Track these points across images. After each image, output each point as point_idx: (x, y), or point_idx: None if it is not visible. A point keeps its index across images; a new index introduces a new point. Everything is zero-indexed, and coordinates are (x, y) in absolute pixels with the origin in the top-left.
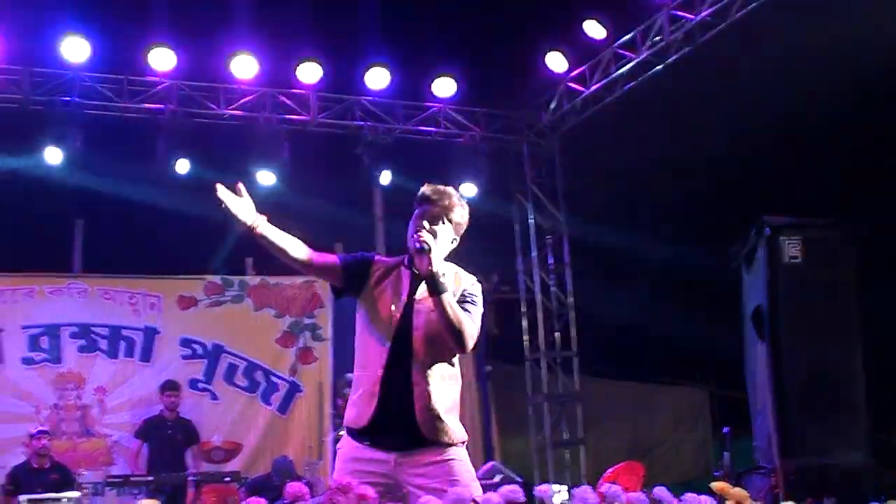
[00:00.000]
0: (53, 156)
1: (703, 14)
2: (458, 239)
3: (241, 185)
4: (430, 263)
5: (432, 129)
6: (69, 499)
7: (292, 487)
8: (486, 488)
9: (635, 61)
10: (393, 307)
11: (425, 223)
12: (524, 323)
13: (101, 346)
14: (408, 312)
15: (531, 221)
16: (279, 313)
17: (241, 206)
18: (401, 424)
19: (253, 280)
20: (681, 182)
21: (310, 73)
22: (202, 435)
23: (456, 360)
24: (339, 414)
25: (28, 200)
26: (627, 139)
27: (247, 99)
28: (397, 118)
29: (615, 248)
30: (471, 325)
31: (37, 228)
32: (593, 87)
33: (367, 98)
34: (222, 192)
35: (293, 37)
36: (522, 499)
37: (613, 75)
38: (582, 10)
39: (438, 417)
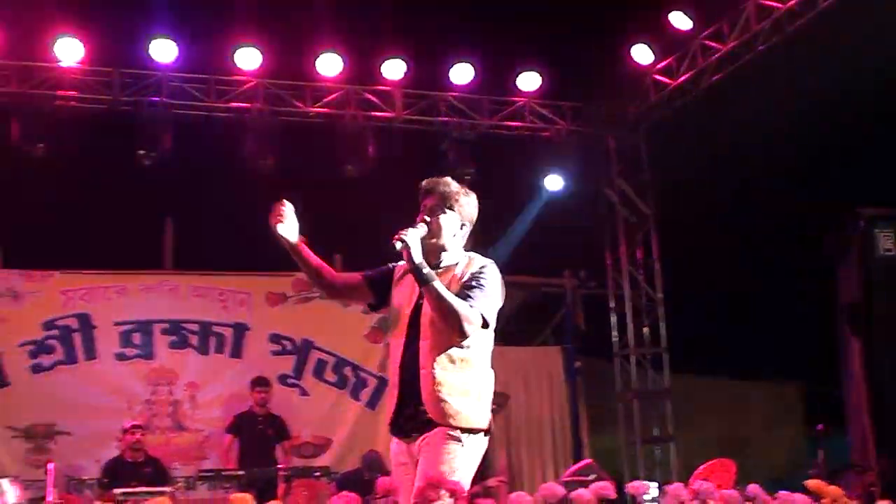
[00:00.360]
0: (143, 155)
1: (791, 3)
2: (469, 224)
3: (287, 204)
4: (410, 257)
5: (517, 123)
6: (162, 492)
7: (383, 482)
8: (579, 485)
9: (723, 52)
10: (407, 299)
11: (425, 217)
12: (613, 319)
13: (192, 341)
14: (420, 302)
15: (619, 216)
16: (367, 309)
17: (289, 226)
18: (413, 410)
19: None
20: (771, 175)
21: (394, 69)
22: (292, 430)
23: (473, 344)
24: None
25: (119, 199)
26: (716, 131)
27: (332, 96)
28: (482, 113)
29: (704, 243)
30: (466, 310)
31: (128, 227)
32: (680, 79)
33: (452, 94)
34: (285, 208)
35: (377, 34)
36: (613, 495)
37: (700, 67)
38: (667, 2)
39: (443, 399)
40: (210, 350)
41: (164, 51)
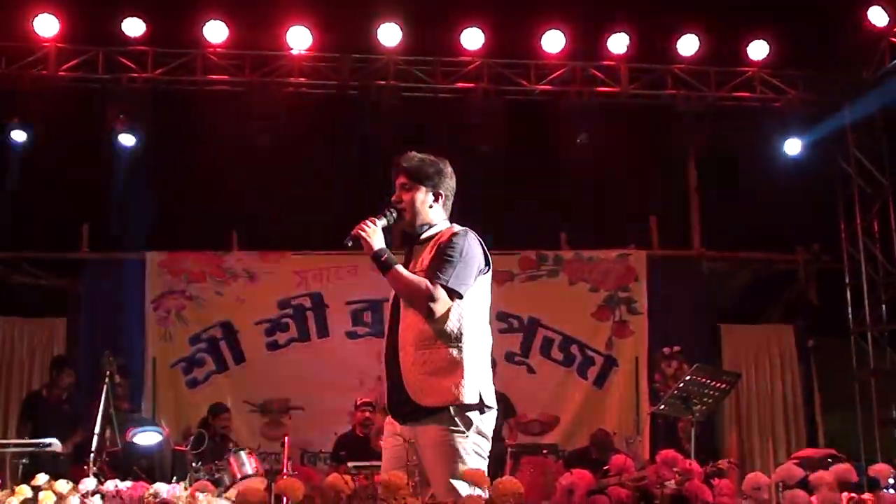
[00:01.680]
0: (371, 138)
1: None
2: (446, 192)
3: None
4: (368, 248)
5: (746, 94)
6: None
7: (618, 459)
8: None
9: None
10: None
11: (394, 196)
12: (848, 294)
13: None
14: None
15: (854, 187)
16: (594, 287)
17: (376, 234)
18: (398, 393)
19: (567, 254)
20: None
21: (619, 43)
22: (519, 408)
23: (453, 318)
24: (656, 389)
25: (349, 181)
26: None
27: (557, 73)
28: (710, 85)
29: None
30: (428, 288)
31: (357, 208)
32: None
33: (679, 66)
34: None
35: (601, 8)
36: (855, 478)
37: None
38: None
39: (423, 379)
40: None
41: (390, 34)
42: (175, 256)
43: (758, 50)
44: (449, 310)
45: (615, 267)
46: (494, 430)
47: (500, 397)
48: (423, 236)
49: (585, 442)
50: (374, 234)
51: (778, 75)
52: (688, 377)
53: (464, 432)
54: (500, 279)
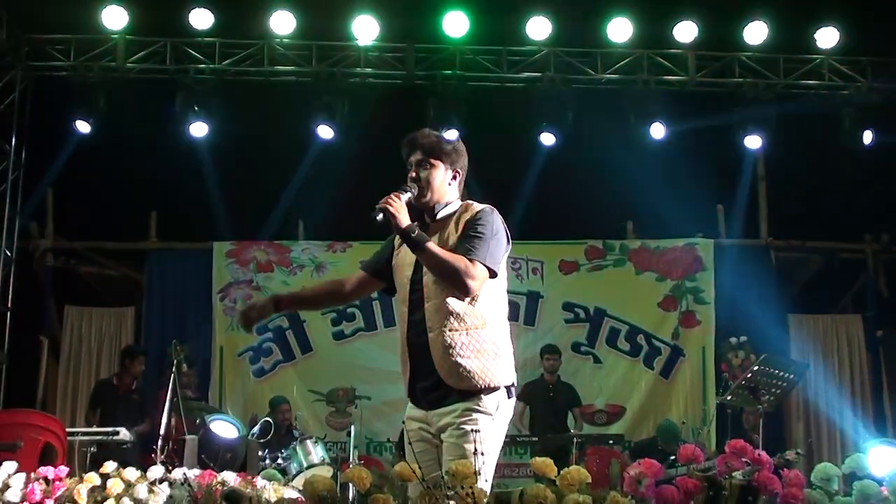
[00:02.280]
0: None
1: None
2: (462, 171)
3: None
4: (396, 226)
5: (815, 81)
6: None
7: (686, 449)
8: None
9: None
10: (408, 262)
11: (412, 176)
12: None
13: None
14: (421, 263)
15: None
16: (661, 276)
17: (403, 209)
18: (427, 378)
19: (634, 244)
20: None
21: (686, 31)
22: (585, 398)
23: (482, 299)
24: (724, 379)
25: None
26: None
27: (623, 62)
28: (777, 73)
29: None
30: (465, 265)
31: None
32: None
33: (746, 53)
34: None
35: None
36: None
37: None
38: None
39: (457, 362)
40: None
41: (456, 24)
42: (242, 246)
43: (826, 37)
44: (480, 289)
45: (682, 256)
46: (560, 421)
47: (566, 387)
48: (440, 214)
49: (651, 432)
50: (402, 208)
51: (847, 63)
52: (756, 367)
53: (490, 415)
54: (566, 269)
